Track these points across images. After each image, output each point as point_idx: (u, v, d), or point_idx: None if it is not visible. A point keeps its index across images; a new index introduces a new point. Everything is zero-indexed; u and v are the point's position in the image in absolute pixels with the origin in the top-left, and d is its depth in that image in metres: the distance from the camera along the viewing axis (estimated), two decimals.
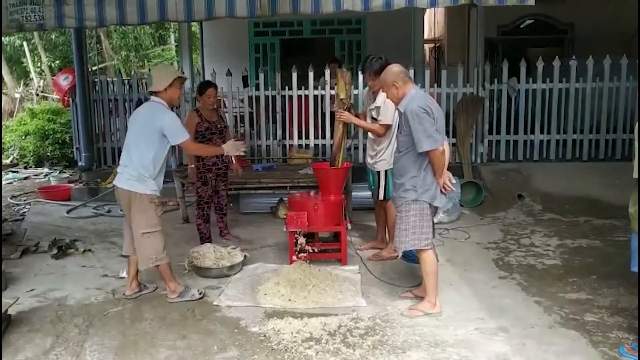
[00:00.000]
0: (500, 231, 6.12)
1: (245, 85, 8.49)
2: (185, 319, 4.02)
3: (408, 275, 4.80)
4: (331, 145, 7.97)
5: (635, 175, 3.27)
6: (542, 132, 8.05)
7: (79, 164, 8.66)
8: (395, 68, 4.03)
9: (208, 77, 10.62)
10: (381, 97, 4.87)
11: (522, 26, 12.34)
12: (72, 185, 8.35)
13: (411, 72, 7.83)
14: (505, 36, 12.35)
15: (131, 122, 4.27)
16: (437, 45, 14.18)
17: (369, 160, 5.22)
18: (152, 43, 19.81)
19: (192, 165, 5.48)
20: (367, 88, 5.26)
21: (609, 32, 10.48)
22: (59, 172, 10.15)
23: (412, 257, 5.20)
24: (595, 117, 8.01)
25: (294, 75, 8.00)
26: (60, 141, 10.83)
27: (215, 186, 5.66)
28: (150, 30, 20.13)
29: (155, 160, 4.12)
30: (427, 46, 14.16)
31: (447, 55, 12.97)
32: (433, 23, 14.26)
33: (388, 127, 4.91)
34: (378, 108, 4.91)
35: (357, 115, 5.19)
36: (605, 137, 8.03)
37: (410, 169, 3.90)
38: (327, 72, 8.10)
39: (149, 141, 4.09)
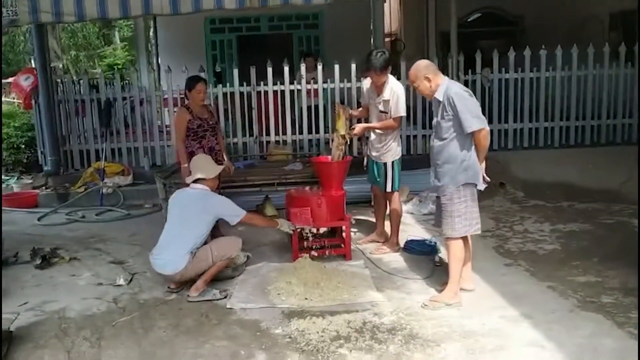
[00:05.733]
0: (491, 219, 6.17)
1: (219, 82, 8.24)
2: (201, 325, 3.84)
3: (414, 267, 4.79)
4: (317, 143, 7.92)
5: None
6: (515, 121, 8.22)
7: (45, 168, 8.18)
8: (424, 62, 4.09)
9: (162, 74, 10.34)
10: (388, 90, 4.81)
11: (469, 20, 12.52)
12: (37, 191, 7.89)
13: None
14: (460, 29, 12.49)
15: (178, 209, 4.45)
16: (393, 38, 14.23)
17: (373, 152, 5.10)
18: (100, 42, 19.14)
19: (185, 165, 5.24)
20: (365, 81, 5.16)
21: (556, 22, 10.85)
22: (17, 179, 9.58)
23: (412, 248, 5.21)
24: (565, 105, 8.24)
25: (269, 71, 7.81)
26: (15, 146, 10.22)
27: None
28: (95, 29, 19.48)
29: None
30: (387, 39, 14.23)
31: (406, 49, 13.05)
32: (389, 16, 14.31)
33: (401, 118, 4.89)
34: (387, 101, 4.83)
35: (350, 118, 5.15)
36: (575, 124, 8.27)
37: (459, 154, 3.92)
38: (303, 66, 7.99)
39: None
